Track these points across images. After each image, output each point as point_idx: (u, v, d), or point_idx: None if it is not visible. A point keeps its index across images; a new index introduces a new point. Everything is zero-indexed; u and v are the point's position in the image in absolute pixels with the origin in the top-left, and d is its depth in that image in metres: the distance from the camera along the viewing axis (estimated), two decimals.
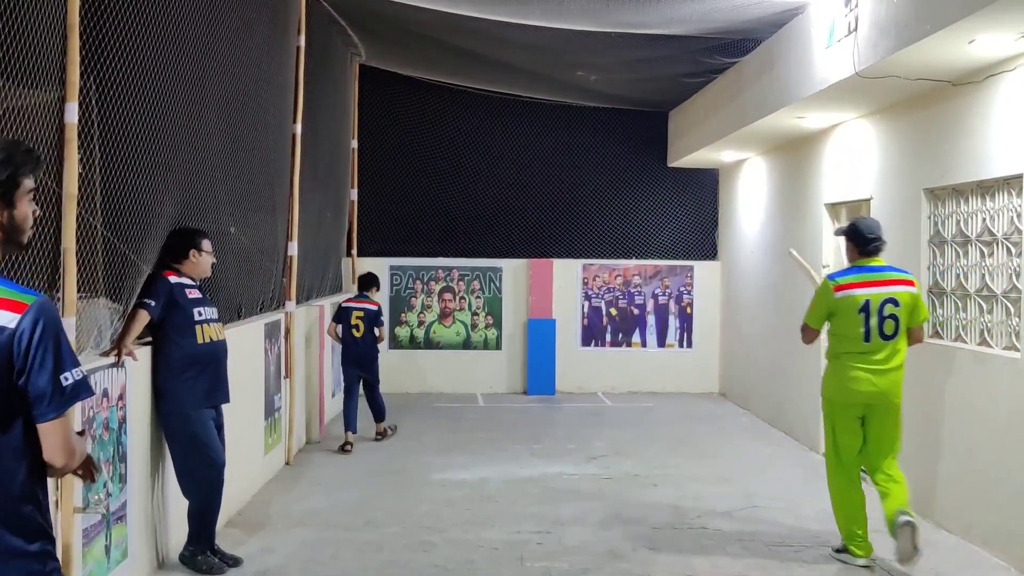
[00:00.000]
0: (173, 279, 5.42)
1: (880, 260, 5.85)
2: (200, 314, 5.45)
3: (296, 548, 5.99)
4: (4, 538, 2.35)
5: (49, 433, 2.37)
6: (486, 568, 5.68)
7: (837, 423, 5.80)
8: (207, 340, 5.46)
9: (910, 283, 5.75)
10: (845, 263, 6.23)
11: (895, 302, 5.65)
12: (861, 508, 5.79)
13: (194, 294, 5.49)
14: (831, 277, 5.89)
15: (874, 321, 5.63)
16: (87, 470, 2.73)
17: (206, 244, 5.61)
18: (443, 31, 9.40)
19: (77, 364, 2.42)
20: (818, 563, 5.82)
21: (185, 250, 5.54)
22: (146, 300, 5.25)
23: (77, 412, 4.19)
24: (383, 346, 12.39)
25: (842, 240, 6.08)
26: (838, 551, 5.92)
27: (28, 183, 2.44)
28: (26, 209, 2.44)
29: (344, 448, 8.94)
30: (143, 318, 5.18)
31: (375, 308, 9.40)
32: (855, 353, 5.67)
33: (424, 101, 12.71)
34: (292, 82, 8.39)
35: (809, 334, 6.01)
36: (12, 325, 2.31)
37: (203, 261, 5.58)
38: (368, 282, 9.62)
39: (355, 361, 9.35)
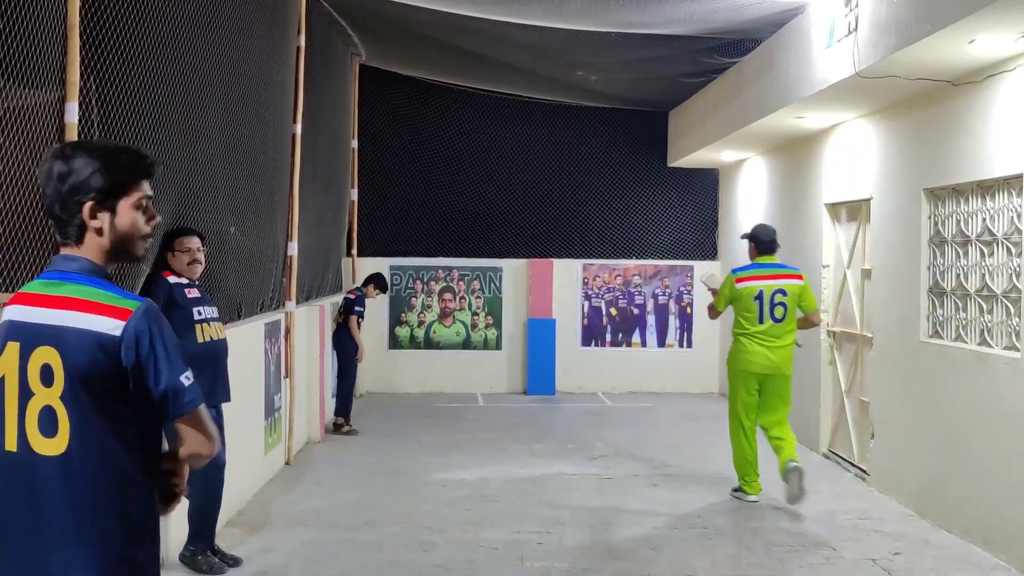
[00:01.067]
0: (172, 279, 5.40)
1: (774, 259, 7.23)
2: (200, 313, 5.44)
3: (296, 548, 5.99)
4: (127, 551, 2.37)
5: (190, 427, 2.40)
6: (486, 568, 5.68)
7: (739, 389, 7.16)
8: (207, 339, 5.44)
9: (798, 277, 7.16)
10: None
11: (784, 292, 7.03)
12: (754, 457, 7.13)
13: (193, 293, 5.47)
14: (734, 271, 7.27)
15: (766, 307, 7.02)
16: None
17: (180, 243, 5.49)
18: (443, 31, 9.40)
19: (186, 367, 2.43)
20: (818, 563, 5.82)
21: (162, 252, 5.51)
22: None
23: None
24: (383, 345, 12.51)
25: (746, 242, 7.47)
26: (735, 491, 7.28)
27: (135, 193, 2.44)
28: (131, 218, 2.43)
29: (335, 426, 9.79)
30: None
31: (351, 297, 9.90)
32: (752, 332, 7.05)
33: (424, 101, 12.71)
34: (292, 82, 8.39)
35: (712, 313, 7.53)
36: (116, 332, 2.31)
37: (178, 261, 5.48)
38: (366, 280, 10.26)
39: (332, 346, 10.06)
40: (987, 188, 6.28)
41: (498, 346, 12.76)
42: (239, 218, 6.90)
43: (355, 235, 12.11)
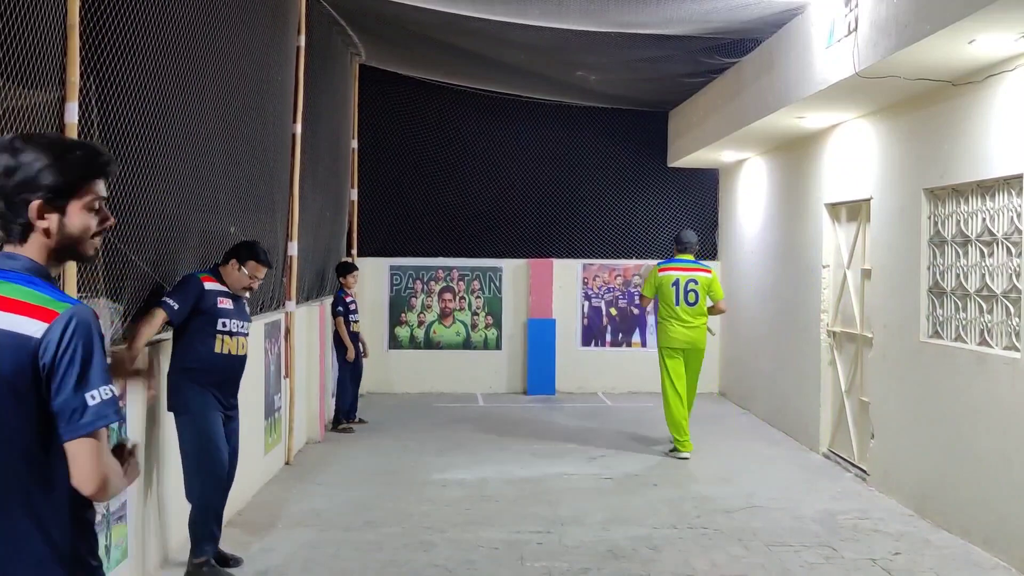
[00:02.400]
0: (208, 285, 5.35)
1: (690, 256, 9.03)
2: (224, 325, 5.37)
3: (296, 548, 5.99)
4: (57, 573, 2.21)
5: (74, 455, 2.17)
6: (486, 568, 5.68)
7: (668, 362, 8.82)
8: (224, 352, 5.38)
9: (707, 271, 9.00)
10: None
11: (696, 282, 8.86)
12: (685, 420, 8.73)
13: (225, 304, 5.39)
14: (658, 264, 9.14)
15: (681, 292, 8.82)
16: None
17: (253, 268, 5.50)
18: (443, 31, 9.40)
19: (108, 382, 2.21)
20: (818, 563, 5.82)
21: (227, 256, 5.53)
22: (168, 300, 5.19)
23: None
24: (382, 345, 12.51)
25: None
26: (671, 451, 8.82)
27: (87, 194, 2.29)
28: (82, 220, 2.29)
29: (338, 427, 9.81)
30: (159, 318, 5.12)
31: (331, 299, 9.96)
32: (672, 314, 8.83)
33: (424, 101, 12.71)
34: (292, 82, 8.39)
35: (644, 301, 9.22)
36: (38, 335, 2.15)
37: (235, 275, 5.47)
38: (337, 276, 10.14)
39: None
40: (987, 188, 6.28)
41: (498, 346, 12.76)
42: (239, 218, 6.90)
43: (355, 235, 12.11)
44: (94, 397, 2.17)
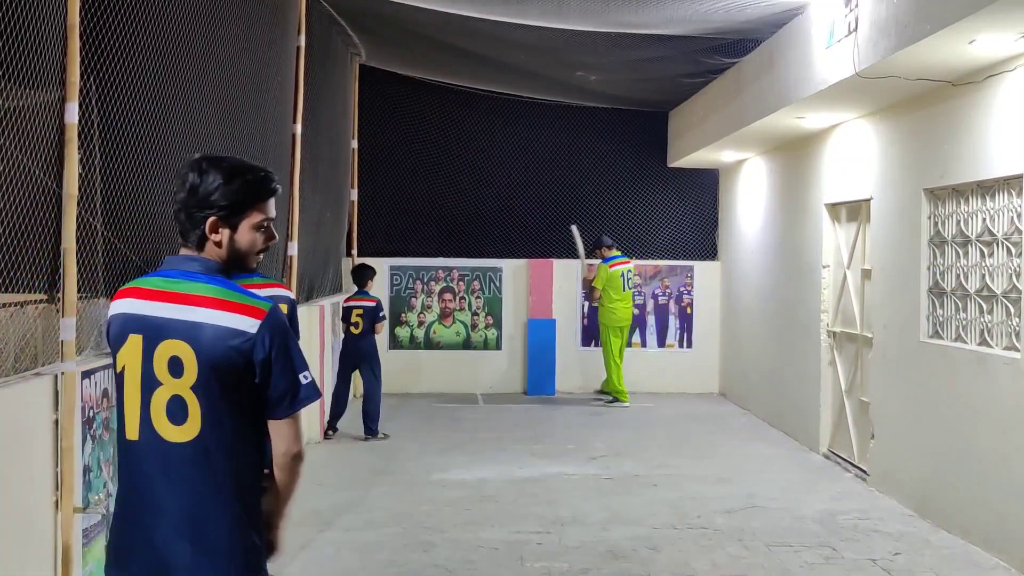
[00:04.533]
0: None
1: (618, 252, 11.77)
2: None
3: (296, 548, 5.99)
4: (248, 534, 2.51)
5: (285, 427, 2.54)
6: (486, 568, 5.68)
7: (612, 336, 11.52)
8: None
9: (630, 262, 11.85)
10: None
11: (631, 271, 11.70)
12: (622, 378, 11.56)
13: None
14: (605, 260, 11.58)
15: (625, 281, 11.58)
16: None
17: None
18: (443, 31, 9.40)
19: (307, 366, 2.58)
20: (818, 563, 5.82)
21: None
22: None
23: (77, 412, 4.19)
24: (383, 346, 12.49)
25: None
26: (610, 402, 11.63)
27: (256, 215, 2.60)
28: (249, 237, 2.60)
29: (326, 434, 9.50)
30: None
31: (373, 304, 9.44)
32: (621, 298, 11.52)
33: (424, 101, 12.70)
34: (292, 82, 8.39)
35: (595, 292, 11.63)
36: (253, 331, 2.47)
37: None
38: (363, 276, 9.61)
39: (351, 359, 9.52)
40: (987, 188, 6.28)
41: (498, 346, 12.75)
42: None
43: (355, 235, 12.11)
44: (306, 377, 2.55)
